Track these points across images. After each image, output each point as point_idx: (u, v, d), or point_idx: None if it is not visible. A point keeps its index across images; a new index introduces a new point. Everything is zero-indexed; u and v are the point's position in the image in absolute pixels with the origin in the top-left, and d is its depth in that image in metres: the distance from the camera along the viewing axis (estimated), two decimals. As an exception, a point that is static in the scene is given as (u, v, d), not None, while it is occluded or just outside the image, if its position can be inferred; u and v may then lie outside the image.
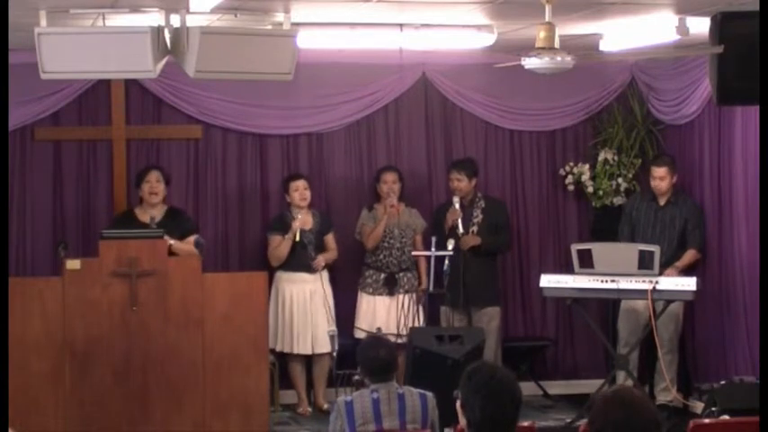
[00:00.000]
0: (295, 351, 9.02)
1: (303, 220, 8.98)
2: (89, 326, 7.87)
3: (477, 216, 9.25)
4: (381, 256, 9.20)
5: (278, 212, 9.27)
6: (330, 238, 9.21)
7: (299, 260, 8.98)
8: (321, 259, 9.04)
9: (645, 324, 8.83)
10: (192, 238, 8.53)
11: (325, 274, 9.09)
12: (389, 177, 9.27)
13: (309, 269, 8.98)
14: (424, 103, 9.78)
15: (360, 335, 9.05)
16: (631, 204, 9.36)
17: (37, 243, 9.15)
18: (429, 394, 5.60)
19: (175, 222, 8.60)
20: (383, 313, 9.11)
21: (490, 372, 4.04)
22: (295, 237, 8.90)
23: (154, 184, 8.72)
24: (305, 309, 8.98)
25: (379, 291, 9.19)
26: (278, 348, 8.94)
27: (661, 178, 9.06)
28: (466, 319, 9.11)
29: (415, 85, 9.71)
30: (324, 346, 8.89)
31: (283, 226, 9.04)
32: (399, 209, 9.19)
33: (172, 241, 8.32)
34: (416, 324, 8.77)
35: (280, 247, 8.99)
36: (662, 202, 9.13)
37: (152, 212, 8.65)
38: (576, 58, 6.38)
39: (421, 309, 8.96)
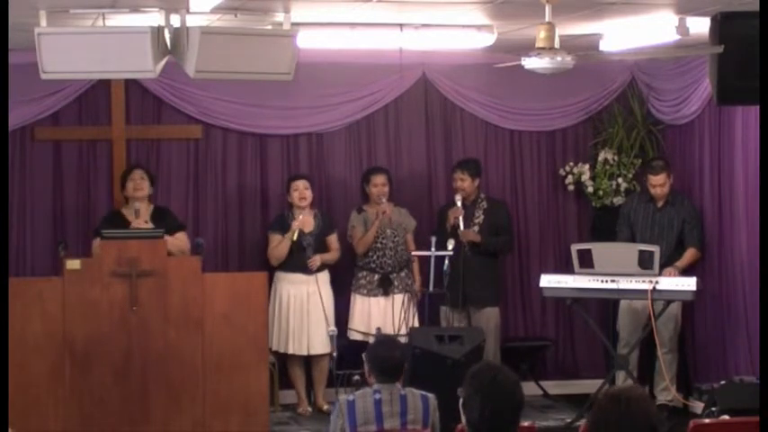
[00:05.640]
0: (290, 351, 9.01)
1: (303, 221, 8.97)
2: (89, 326, 7.87)
3: (479, 216, 9.25)
4: (375, 257, 9.17)
5: (279, 212, 9.26)
6: (333, 239, 9.19)
7: (296, 261, 8.97)
8: (317, 259, 9.01)
9: (644, 324, 8.83)
10: (180, 234, 8.55)
11: (322, 275, 9.07)
12: (379, 180, 9.21)
13: (306, 270, 8.97)
14: (424, 103, 9.78)
15: (355, 336, 9.04)
16: (629, 206, 9.35)
17: (37, 243, 9.14)
18: (431, 396, 5.60)
19: (163, 221, 8.58)
20: (378, 314, 9.08)
21: (492, 373, 4.05)
22: (293, 237, 8.90)
23: (138, 182, 8.70)
24: (301, 310, 8.96)
25: (374, 292, 9.16)
26: (274, 348, 8.94)
27: (661, 185, 9.06)
28: (465, 319, 9.11)
29: (415, 85, 9.71)
30: (320, 348, 8.89)
31: (283, 225, 9.04)
32: (390, 212, 9.14)
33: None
34: (413, 324, 8.76)
35: (279, 246, 8.99)
36: (660, 204, 9.12)
37: (136, 205, 8.58)
38: (575, 58, 6.38)
39: (416, 309, 8.93)
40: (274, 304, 8.96)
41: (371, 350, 5.72)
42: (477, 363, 4.25)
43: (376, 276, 9.16)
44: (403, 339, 8.25)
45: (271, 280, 8.80)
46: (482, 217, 9.26)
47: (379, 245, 9.17)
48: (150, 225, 8.52)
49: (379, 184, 9.20)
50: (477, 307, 9.18)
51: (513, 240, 9.55)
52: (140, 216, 8.56)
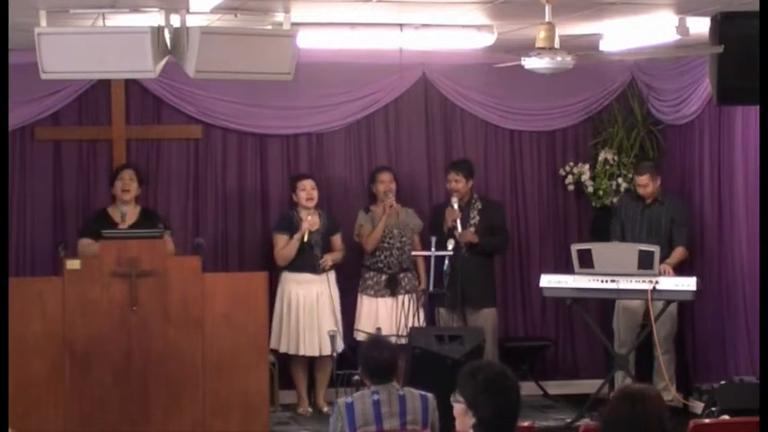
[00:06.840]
0: (301, 352, 8.99)
1: (312, 222, 8.96)
2: (89, 326, 7.87)
3: (474, 217, 9.24)
4: (382, 257, 9.18)
5: (283, 212, 9.26)
6: (337, 239, 9.19)
7: (305, 261, 8.97)
8: (328, 258, 9.03)
9: (640, 323, 8.84)
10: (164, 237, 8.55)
11: (331, 275, 9.08)
12: (386, 177, 9.23)
13: (315, 270, 8.97)
14: (424, 103, 9.78)
15: (362, 337, 9.02)
16: (621, 202, 9.38)
17: (37, 243, 9.15)
18: (430, 395, 5.60)
19: (149, 223, 8.56)
20: (385, 315, 9.07)
21: (493, 368, 4.09)
22: (303, 238, 8.90)
23: (126, 182, 8.68)
24: (311, 310, 8.95)
25: (381, 293, 9.16)
26: (282, 350, 8.94)
27: (644, 186, 9.07)
28: (462, 321, 9.10)
29: (415, 85, 9.72)
30: (330, 348, 8.88)
31: (289, 226, 9.03)
32: (398, 208, 9.17)
33: None
34: (417, 324, 8.76)
35: (287, 247, 8.98)
36: (648, 201, 9.13)
37: (122, 209, 8.58)
38: (575, 58, 6.38)
39: (421, 309, 8.95)
40: (282, 305, 8.96)
41: (362, 352, 5.71)
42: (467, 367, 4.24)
43: (383, 277, 9.16)
44: (404, 340, 8.26)
45: (272, 280, 8.79)
46: (477, 218, 9.25)
47: (386, 244, 9.17)
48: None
49: (386, 180, 9.21)
50: (474, 308, 9.17)
51: (509, 240, 9.54)
52: (126, 220, 8.53)
